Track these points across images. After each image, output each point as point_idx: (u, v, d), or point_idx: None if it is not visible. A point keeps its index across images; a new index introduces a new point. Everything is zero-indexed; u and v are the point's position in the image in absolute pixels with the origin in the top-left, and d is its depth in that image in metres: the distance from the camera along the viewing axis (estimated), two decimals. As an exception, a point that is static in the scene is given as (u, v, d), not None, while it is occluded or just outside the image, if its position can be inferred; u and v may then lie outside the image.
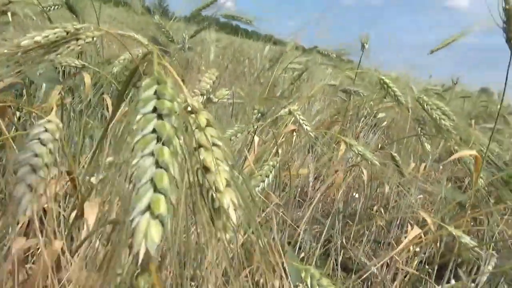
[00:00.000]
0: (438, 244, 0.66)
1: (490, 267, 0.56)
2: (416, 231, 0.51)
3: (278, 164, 0.43)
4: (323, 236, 0.72)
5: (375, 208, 1.09)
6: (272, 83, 1.03)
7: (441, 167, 1.33)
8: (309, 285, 0.27)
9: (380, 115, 1.09)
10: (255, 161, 0.53)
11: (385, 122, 1.36)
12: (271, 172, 0.41)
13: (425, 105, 0.57)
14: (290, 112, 0.55)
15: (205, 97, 0.35)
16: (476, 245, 0.47)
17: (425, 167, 0.94)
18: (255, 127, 0.54)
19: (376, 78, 0.60)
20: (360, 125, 1.20)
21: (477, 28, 0.69)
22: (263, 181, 0.41)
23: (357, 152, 0.51)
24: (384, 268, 0.86)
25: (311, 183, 0.99)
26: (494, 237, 0.73)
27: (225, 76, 1.52)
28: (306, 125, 0.56)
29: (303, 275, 0.27)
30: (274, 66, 1.11)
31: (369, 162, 0.50)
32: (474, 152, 0.45)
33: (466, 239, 0.46)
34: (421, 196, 1.05)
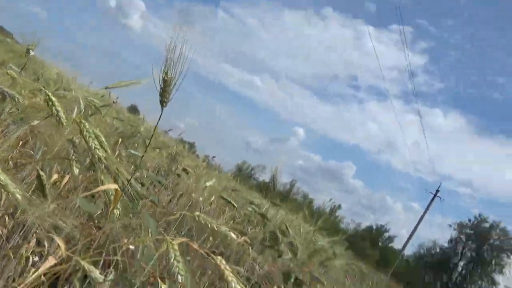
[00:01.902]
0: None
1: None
2: (51, 261, 0.52)
3: None
4: None
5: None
6: None
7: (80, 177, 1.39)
8: None
9: (35, 122, 1.03)
10: None
11: (35, 121, 1.28)
12: None
13: (84, 131, 0.61)
14: None
15: None
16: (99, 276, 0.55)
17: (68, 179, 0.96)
18: None
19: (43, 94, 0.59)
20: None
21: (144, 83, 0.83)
22: None
23: None
24: None
25: None
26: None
27: None
28: None
29: None
30: None
31: None
32: (115, 186, 0.54)
33: (95, 272, 0.53)
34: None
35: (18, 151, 1.26)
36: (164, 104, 0.62)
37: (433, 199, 19.56)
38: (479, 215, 24.76)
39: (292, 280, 1.70)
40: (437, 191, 19.76)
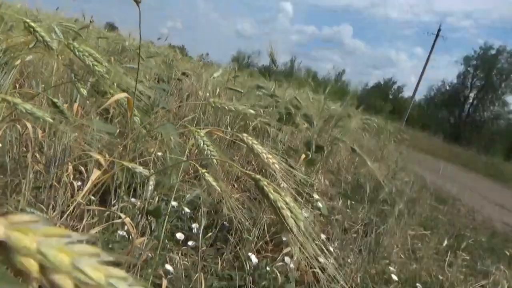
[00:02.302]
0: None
1: (151, 184, 0.71)
2: (96, 173, 0.56)
3: None
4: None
5: (28, 155, 1.04)
6: None
7: (88, 102, 1.40)
8: None
9: (28, 58, 1.00)
10: None
11: (19, 61, 1.25)
12: None
13: (77, 52, 0.59)
14: None
15: None
16: (144, 170, 0.60)
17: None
18: None
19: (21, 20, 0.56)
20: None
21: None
22: None
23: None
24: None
25: None
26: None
27: None
28: None
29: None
30: None
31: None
32: (126, 95, 0.55)
33: (139, 168, 0.57)
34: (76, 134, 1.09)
35: (17, 93, 1.26)
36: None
37: (435, 40, 19.09)
38: (484, 44, 24.26)
39: (314, 146, 1.80)
40: (439, 30, 19.15)
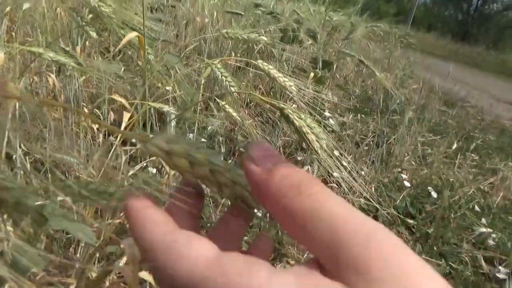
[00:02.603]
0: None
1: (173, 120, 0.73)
2: (127, 115, 0.57)
3: None
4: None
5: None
6: None
7: (87, 43, 1.37)
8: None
9: (25, 5, 0.95)
10: None
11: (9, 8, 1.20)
12: None
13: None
14: None
15: None
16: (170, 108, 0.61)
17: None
18: None
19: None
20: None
21: None
22: None
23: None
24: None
25: None
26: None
27: None
28: None
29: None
30: None
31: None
32: (136, 33, 0.53)
33: (165, 107, 0.59)
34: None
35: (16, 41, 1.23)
36: None
37: None
38: None
39: (321, 62, 1.76)
40: None
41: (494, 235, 1.43)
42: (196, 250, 0.15)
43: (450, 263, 1.28)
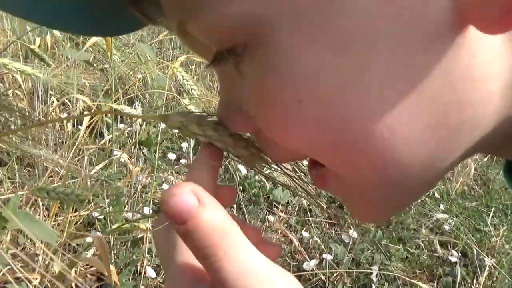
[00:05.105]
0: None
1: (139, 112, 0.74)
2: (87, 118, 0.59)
3: None
4: None
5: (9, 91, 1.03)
6: None
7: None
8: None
9: None
10: None
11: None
12: None
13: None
14: None
15: None
16: (132, 110, 0.62)
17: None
18: None
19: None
20: None
21: None
22: None
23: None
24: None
25: None
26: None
27: None
28: None
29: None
30: None
31: None
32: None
33: (127, 109, 0.60)
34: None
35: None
36: None
37: None
38: None
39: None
40: None
41: (450, 221, 1.53)
42: None
43: (407, 247, 1.37)
